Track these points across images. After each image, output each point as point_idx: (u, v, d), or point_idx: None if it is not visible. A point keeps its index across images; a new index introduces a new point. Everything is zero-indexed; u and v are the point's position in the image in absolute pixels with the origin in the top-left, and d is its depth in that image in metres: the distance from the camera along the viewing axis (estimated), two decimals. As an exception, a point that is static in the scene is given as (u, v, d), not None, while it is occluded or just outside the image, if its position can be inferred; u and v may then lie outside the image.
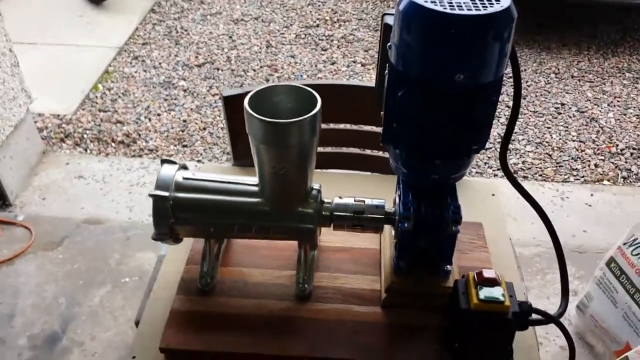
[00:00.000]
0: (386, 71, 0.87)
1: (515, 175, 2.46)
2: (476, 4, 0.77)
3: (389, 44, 0.85)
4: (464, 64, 0.78)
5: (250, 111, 0.86)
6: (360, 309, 0.97)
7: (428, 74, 0.81)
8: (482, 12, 0.75)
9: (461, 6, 0.76)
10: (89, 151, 2.57)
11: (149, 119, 2.78)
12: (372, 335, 0.93)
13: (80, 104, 2.86)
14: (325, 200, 0.98)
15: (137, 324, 0.98)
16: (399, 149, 0.91)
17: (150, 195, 0.93)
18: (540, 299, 1.94)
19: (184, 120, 2.78)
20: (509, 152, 2.63)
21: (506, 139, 0.92)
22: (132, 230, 2.14)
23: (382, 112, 0.91)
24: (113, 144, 2.61)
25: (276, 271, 1.03)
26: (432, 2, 0.77)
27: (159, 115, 2.81)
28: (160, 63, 3.25)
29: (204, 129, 2.73)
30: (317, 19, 3.76)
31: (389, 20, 0.85)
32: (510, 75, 0.85)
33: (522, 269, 2.02)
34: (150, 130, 2.70)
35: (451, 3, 0.76)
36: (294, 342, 0.91)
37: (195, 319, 0.94)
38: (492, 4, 0.77)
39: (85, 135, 2.65)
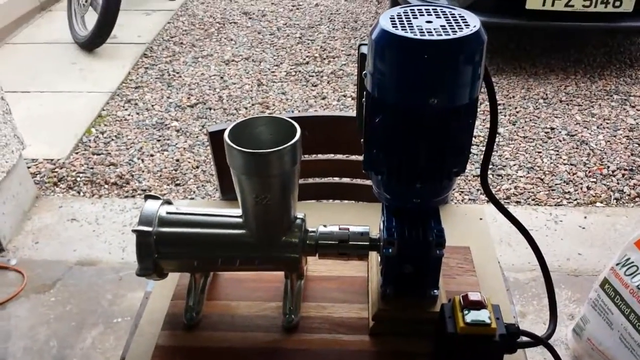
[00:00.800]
0: (364, 99, 0.89)
1: (507, 200, 2.46)
2: (446, 29, 0.79)
3: (364, 72, 0.86)
4: (437, 88, 0.80)
5: (230, 142, 0.87)
6: (348, 337, 0.96)
7: (403, 99, 0.82)
8: (452, 36, 0.77)
9: (431, 32, 0.78)
10: (82, 194, 2.58)
11: (142, 160, 2.79)
12: (360, 364, 0.92)
13: (73, 148, 2.88)
14: (310, 229, 0.98)
15: (123, 360, 0.97)
16: (380, 174, 0.91)
17: (134, 231, 0.93)
18: (536, 324, 1.92)
19: (177, 160, 2.79)
20: (500, 177, 2.65)
21: (486, 159, 0.92)
22: (124, 270, 2.13)
23: (362, 140, 0.92)
24: (106, 186, 2.62)
25: (263, 303, 1.02)
26: (402, 29, 0.79)
27: (152, 155, 2.83)
28: (152, 105, 3.28)
29: (197, 167, 2.75)
30: (307, 56, 3.82)
31: (365, 49, 0.87)
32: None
33: (517, 295, 2.01)
34: (143, 171, 2.71)
35: (421, 30, 0.78)
36: (281, 374, 0.90)
37: (181, 353, 0.93)
38: (462, 28, 0.79)
39: (78, 179, 2.66)
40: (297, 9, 4.57)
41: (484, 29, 0.80)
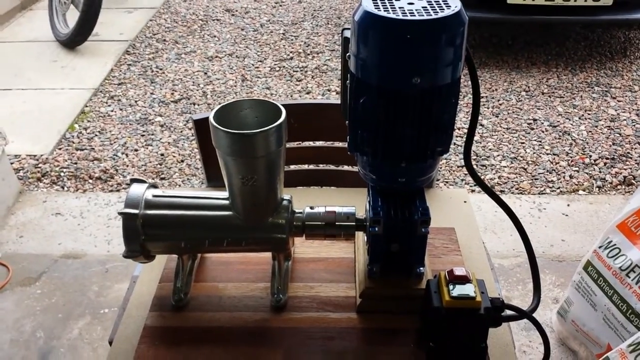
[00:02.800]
0: (348, 81, 0.90)
1: (492, 189, 2.50)
2: (427, 10, 0.80)
3: (348, 54, 0.88)
4: (420, 68, 0.81)
5: (215, 124, 0.88)
6: (336, 315, 0.97)
7: (386, 80, 0.83)
8: (434, 17, 0.78)
9: (413, 13, 0.79)
10: (66, 189, 2.56)
11: (126, 155, 2.78)
12: (348, 340, 0.93)
13: (56, 144, 2.86)
14: (297, 211, 0.99)
15: (110, 342, 0.97)
16: (366, 155, 0.93)
17: (120, 213, 0.94)
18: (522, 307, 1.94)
19: (162, 154, 2.79)
20: (484, 168, 2.67)
21: (469, 139, 0.94)
22: (110, 262, 2.12)
23: (347, 122, 0.93)
24: (90, 181, 2.61)
25: (251, 284, 1.03)
26: (385, 10, 0.80)
27: (136, 150, 2.82)
28: (136, 101, 3.27)
29: (182, 161, 2.74)
30: (291, 52, 3.83)
31: (348, 34, 0.88)
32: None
33: (502, 280, 2.04)
34: (127, 166, 2.70)
35: (404, 11, 0.80)
36: (269, 351, 0.91)
37: (169, 334, 0.94)
38: (443, 9, 0.80)
39: (62, 174, 2.65)
40: (280, 5, 4.57)
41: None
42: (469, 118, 0.92)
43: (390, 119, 0.86)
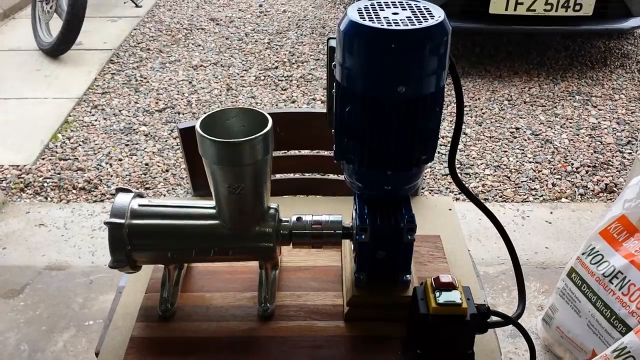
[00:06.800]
0: (333, 90, 0.91)
1: (476, 196, 2.52)
2: (412, 20, 0.81)
3: (333, 63, 0.89)
4: (405, 77, 0.82)
5: (202, 133, 0.88)
6: (323, 324, 0.97)
7: (372, 88, 0.84)
8: (418, 26, 0.79)
9: (398, 23, 0.80)
10: (49, 199, 2.54)
11: (110, 165, 2.77)
12: (335, 349, 0.93)
13: (39, 154, 2.84)
14: (283, 219, 0.99)
15: (97, 354, 0.96)
16: (352, 163, 0.93)
17: (106, 223, 0.93)
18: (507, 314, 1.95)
19: (146, 164, 2.77)
20: (468, 176, 2.69)
21: (453, 146, 0.95)
22: (95, 274, 2.10)
23: (332, 131, 0.94)
24: (74, 191, 2.59)
25: (238, 294, 1.03)
26: (370, 20, 0.81)
27: (120, 160, 2.80)
28: (120, 110, 3.25)
29: (167, 170, 2.73)
30: (276, 61, 3.84)
31: (334, 43, 0.89)
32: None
33: (488, 287, 2.05)
34: (112, 176, 2.69)
35: (388, 20, 0.81)
36: (256, 360, 0.91)
37: (156, 344, 0.93)
38: (427, 19, 0.81)
39: (45, 184, 2.62)
40: (265, 15, 4.59)
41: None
42: (453, 127, 0.93)
43: (375, 127, 0.87)
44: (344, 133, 0.91)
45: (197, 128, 0.89)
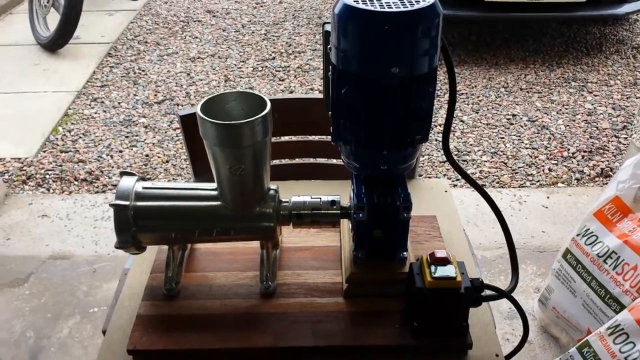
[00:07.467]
0: (329, 73, 0.93)
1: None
2: (404, 2, 0.84)
3: (329, 46, 0.91)
4: (398, 58, 0.85)
5: (203, 115, 0.91)
6: (323, 300, 1.00)
7: (366, 69, 0.87)
8: (410, 8, 0.82)
9: (390, 5, 0.83)
10: (51, 191, 2.57)
11: (111, 156, 2.79)
12: (335, 323, 0.96)
13: (40, 147, 2.87)
14: (283, 200, 1.02)
15: (104, 332, 0.99)
16: (348, 144, 0.96)
17: (111, 205, 0.96)
18: (504, 297, 1.99)
19: (147, 155, 2.80)
20: (465, 163, 2.72)
21: (447, 125, 0.98)
22: (98, 262, 2.13)
23: (329, 113, 0.96)
24: (76, 183, 2.62)
25: (240, 273, 1.06)
26: (364, 3, 0.83)
27: (120, 152, 2.83)
28: (119, 103, 3.28)
29: (167, 161, 2.76)
30: (273, 52, 3.86)
31: (329, 27, 0.92)
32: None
33: (485, 271, 2.08)
34: (112, 167, 2.71)
35: (381, 3, 0.83)
36: (259, 335, 0.94)
37: (162, 321, 0.96)
38: (419, 1, 0.84)
39: (47, 176, 2.65)
40: (261, 6, 4.60)
41: (440, 4, 0.86)
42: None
43: (370, 108, 0.90)
44: (340, 114, 0.94)
45: (198, 111, 0.92)
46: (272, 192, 1.02)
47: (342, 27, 0.85)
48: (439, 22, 0.85)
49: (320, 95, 1.36)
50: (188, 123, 1.37)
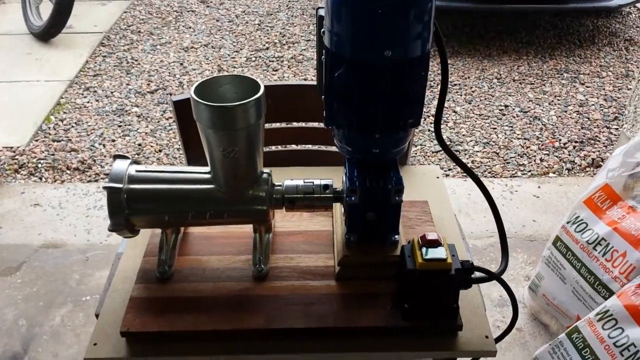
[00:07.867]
0: (323, 56, 0.94)
1: (464, 173, 2.56)
2: (397, -14, 0.84)
3: (322, 30, 0.92)
4: (391, 41, 0.85)
5: (196, 98, 0.91)
6: (315, 283, 1.01)
7: (359, 52, 0.87)
8: (403, -8, 0.82)
9: (383, -12, 0.83)
10: (43, 180, 2.56)
11: (104, 145, 2.79)
12: (327, 305, 0.97)
13: (33, 136, 2.86)
14: (276, 183, 1.03)
15: (97, 316, 1.00)
16: (341, 128, 0.97)
17: (104, 188, 0.96)
18: (495, 285, 2.00)
19: (139, 144, 2.80)
20: (457, 153, 2.73)
21: (439, 109, 0.99)
22: (91, 251, 2.13)
23: (322, 97, 0.97)
24: (68, 171, 2.61)
25: (233, 257, 1.06)
26: (357, -15, 0.84)
27: (113, 141, 2.82)
28: (112, 92, 3.27)
29: (160, 150, 2.76)
30: (267, 42, 3.85)
31: (322, 12, 0.92)
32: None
33: (476, 259, 2.09)
34: (105, 156, 2.71)
35: (374, -14, 0.84)
36: (251, 317, 0.95)
37: (155, 304, 0.97)
38: (412, -15, 0.84)
39: (39, 165, 2.64)
40: (255, -4, 4.58)
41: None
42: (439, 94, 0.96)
43: (363, 91, 0.91)
44: (333, 98, 0.94)
45: (192, 93, 0.92)
46: (265, 175, 1.02)
47: (335, 10, 0.86)
48: (432, 5, 0.86)
49: (312, 82, 1.37)
50: (182, 108, 1.37)
